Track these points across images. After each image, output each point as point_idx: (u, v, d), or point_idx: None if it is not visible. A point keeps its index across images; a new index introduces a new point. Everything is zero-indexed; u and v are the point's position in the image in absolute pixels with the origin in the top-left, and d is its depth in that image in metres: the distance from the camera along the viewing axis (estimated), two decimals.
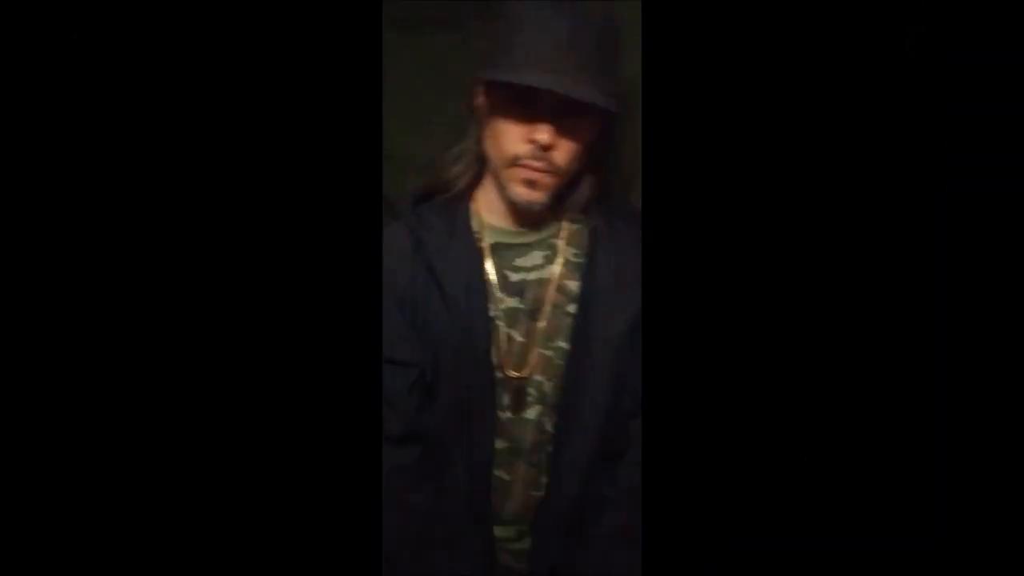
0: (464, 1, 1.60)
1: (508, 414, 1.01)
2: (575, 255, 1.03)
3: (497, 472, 1.01)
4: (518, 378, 1.00)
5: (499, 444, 1.01)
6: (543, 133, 0.93)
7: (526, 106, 0.94)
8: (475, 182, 1.04)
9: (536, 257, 1.03)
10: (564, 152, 0.95)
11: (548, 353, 1.01)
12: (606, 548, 1.02)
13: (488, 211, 1.04)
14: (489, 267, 1.02)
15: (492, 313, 1.00)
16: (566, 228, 1.04)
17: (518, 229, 1.03)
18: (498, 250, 1.02)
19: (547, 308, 1.01)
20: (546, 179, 0.96)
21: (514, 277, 1.02)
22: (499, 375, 1.00)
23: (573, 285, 1.02)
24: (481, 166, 1.03)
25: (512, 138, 0.95)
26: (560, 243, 1.03)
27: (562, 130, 0.94)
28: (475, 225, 1.03)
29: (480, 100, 0.99)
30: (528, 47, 0.92)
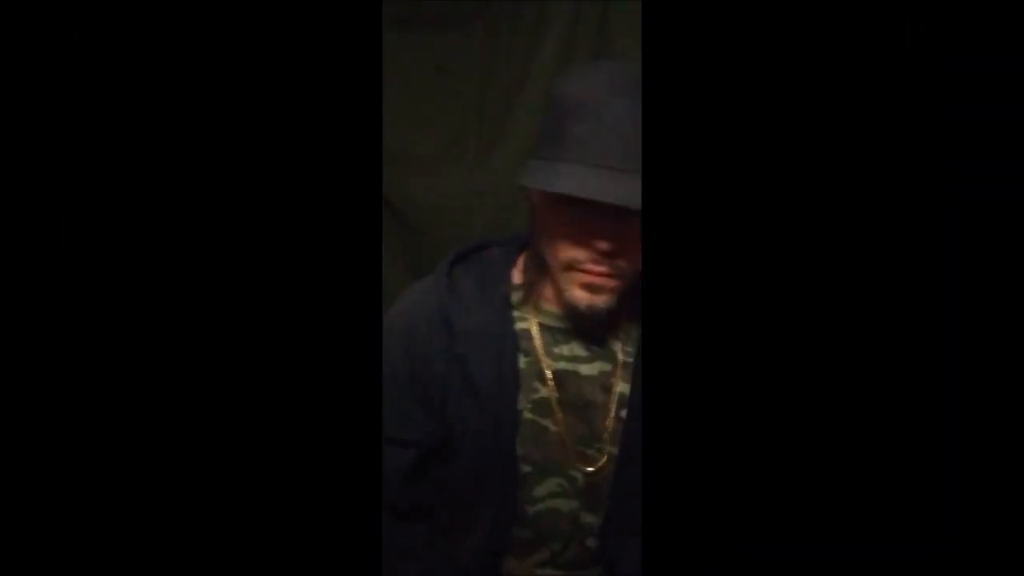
0: (464, 1, 1.60)
1: (538, 507, 0.91)
2: (627, 352, 0.91)
3: (511, 559, 0.93)
4: (590, 473, 0.90)
5: (520, 533, 0.92)
6: (603, 241, 0.79)
7: (583, 207, 0.78)
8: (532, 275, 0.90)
9: (577, 348, 0.91)
10: (631, 256, 0.81)
11: (595, 454, 0.90)
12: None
13: (536, 292, 0.91)
14: (526, 353, 0.89)
15: (521, 405, 0.88)
16: (622, 323, 0.90)
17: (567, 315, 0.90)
18: (540, 333, 0.90)
19: (595, 408, 0.90)
20: (610, 283, 0.83)
21: (553, 366, 0.90)
22: (527, 468, 0.90)
23: (623, 387, 0.90)
24: (539, 262, 0.89)
25: (567, 242, 0.82)
26: (611, 338, 0.90)
27: (628, 232, 0.79)
28: (516, 299, 0.91)
29: (532, 197, 0.87)
30: (584, 142, 0.77)
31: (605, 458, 0.90)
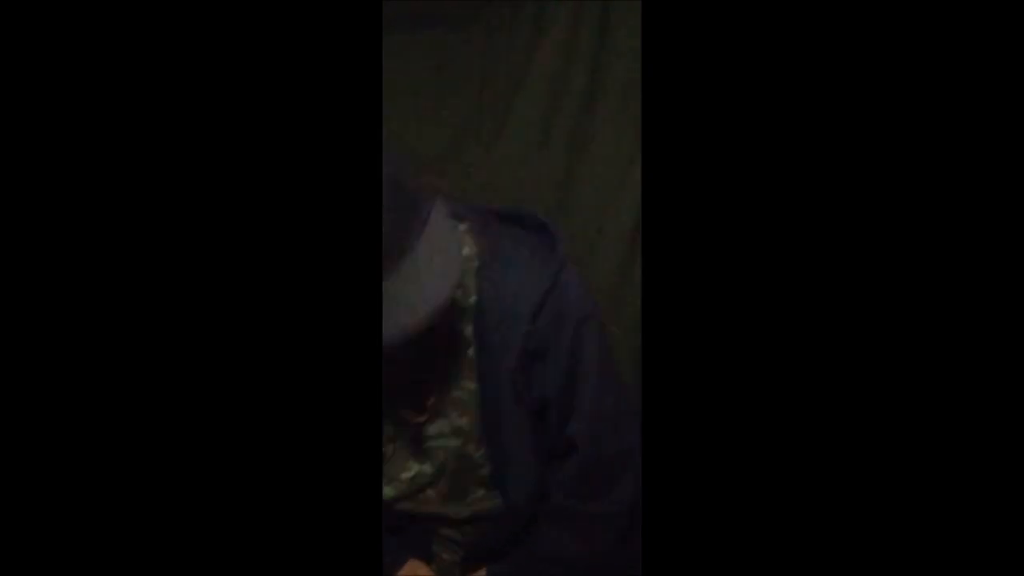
0: (464, 1, 1.60)
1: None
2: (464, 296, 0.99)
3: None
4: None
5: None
6: None
7: None
8: None
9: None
10: None
11: (459, 394, 1.01)
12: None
13: None
14: None
15: None
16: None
17: None
18: None
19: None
20: None
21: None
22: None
23: (467, 329, 1.00)
24: None
25: None
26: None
27: None
28: None
29: None
30: None
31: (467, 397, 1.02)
